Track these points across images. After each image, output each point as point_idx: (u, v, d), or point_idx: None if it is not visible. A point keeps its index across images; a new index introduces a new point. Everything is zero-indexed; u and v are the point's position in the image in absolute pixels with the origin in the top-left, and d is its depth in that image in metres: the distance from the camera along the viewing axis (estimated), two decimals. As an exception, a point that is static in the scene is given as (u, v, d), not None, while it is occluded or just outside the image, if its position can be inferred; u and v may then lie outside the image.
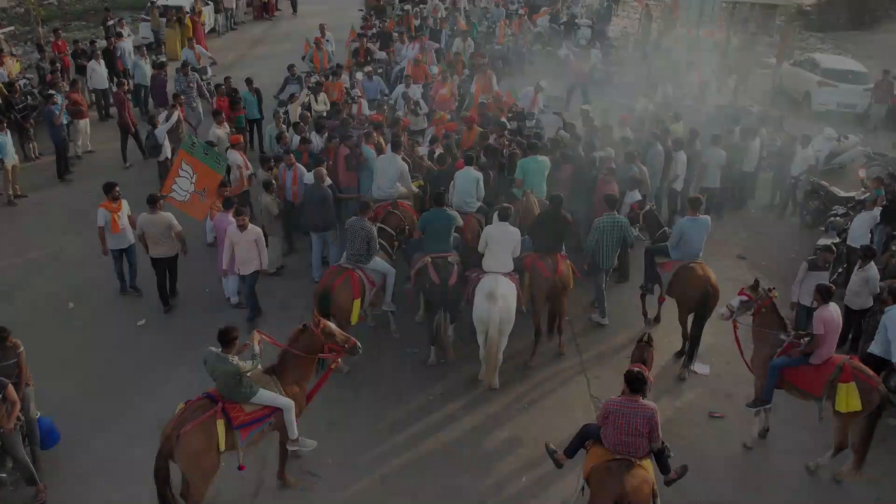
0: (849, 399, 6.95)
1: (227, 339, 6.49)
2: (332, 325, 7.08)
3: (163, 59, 16.31)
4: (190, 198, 10.30)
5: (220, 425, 6.30)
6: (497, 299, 8.06)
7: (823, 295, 7.34)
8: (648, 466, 6.05)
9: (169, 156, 12.66)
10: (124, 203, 9.77)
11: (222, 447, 6.33)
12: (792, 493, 7.34)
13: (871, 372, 7.19)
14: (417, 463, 7.55)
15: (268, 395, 6.60)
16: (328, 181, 10.42)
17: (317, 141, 11.86)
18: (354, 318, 8.46)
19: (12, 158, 12.48)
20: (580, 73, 17.83)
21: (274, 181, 10.55)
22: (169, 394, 8.34)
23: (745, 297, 7.74)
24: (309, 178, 10.47)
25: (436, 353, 8.92)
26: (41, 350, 9.04)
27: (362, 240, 8.54)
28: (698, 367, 9.13)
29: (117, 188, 9.66)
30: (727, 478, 7.50)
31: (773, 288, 7.85)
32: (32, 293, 10.27)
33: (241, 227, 9.12)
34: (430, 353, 8.97)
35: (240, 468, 6.64)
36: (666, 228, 9.82)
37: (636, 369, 6.16)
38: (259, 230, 9.34)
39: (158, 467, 6.34)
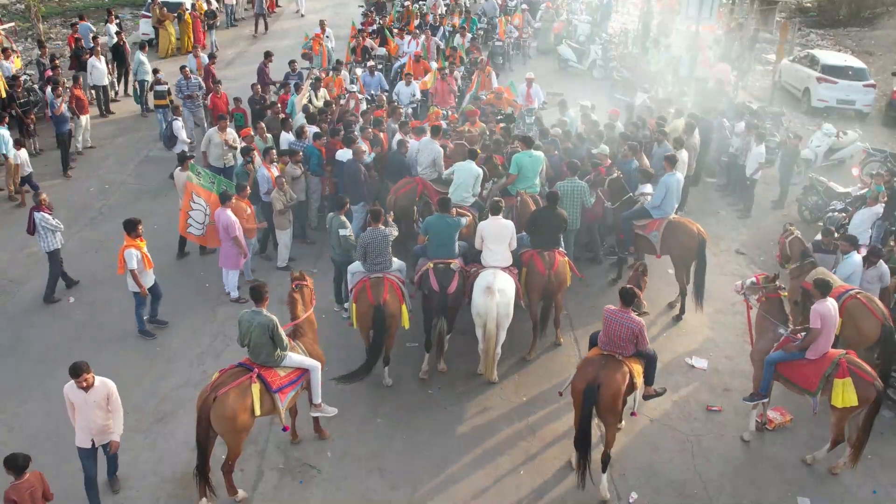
0: (845, 394, 6.98)
1: (258, 294, 6.90)
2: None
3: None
4: (206, 230, 10.32)
5: (256, 389, 6.63)
6: (495, 293, 8.08)
7: (821, 289, 7.34)
8: (632, 365, 6.95)
9: (186, 149, 12.62)
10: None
11: (258, 412, 6.64)
12: (788, 486, 7.37)
13: (867, 367, 7.21)
14: (416, 455, 7.59)
15: (297, 358, 7.05)
16: (365, 159, 10.83)
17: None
18: (406, 323, 8.42)
19: (13, 153, 12.50)
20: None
21: (283, 178, 10.58)
22: (168, 388, 8.41)
23: (754, 280, 8.04)
24: (347, 154, 10.86)
25: (429, 361, 8.76)
26: (41, 345, 9.13)
27: (385, 247, 8.41)
28: (696, 361, 9.17)
29: (141, 226, 8.97)
30: (724, 471, 7.53)
31: (784, 288, 7.93)
32: (33, 288, 10.29)
33: (84, 388, 6.41)
34: (423, 362, 8.75)
35: (284, 429, 7.23)
36: (631, 194, 10.35)
37: (628, 286, 7.23)
38: (111, 387, 6.59)
39: (200, 431, 6.58)
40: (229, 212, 9.60)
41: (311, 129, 11.72)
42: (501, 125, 12.75)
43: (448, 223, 8.66)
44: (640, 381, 7.05)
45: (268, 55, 16.03)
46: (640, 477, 7.43)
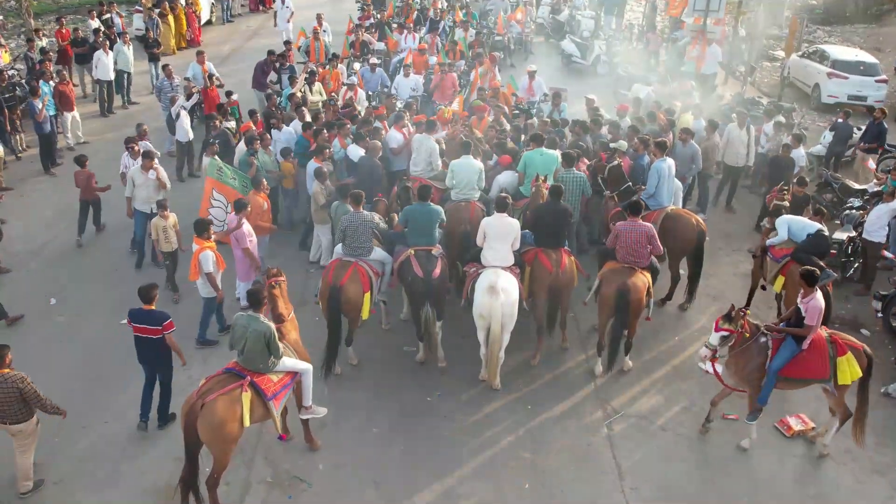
0: (851, 369, 7.00)
1: (256, 300, 6.56)
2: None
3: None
4: (227, 227, 9.61)
5: (247, 399, 6.27)
6: (499, 293, 7.68)
7: (809, 280, 7.04)
8: (647, 274, 8.23)
9: (191, 138, 12.65)
10: None
11: (247, 422, 6.28)
12: (810, 501, 6.97)
13: (852, 338, 7.25)
14: (414, 467, 7.18)
15: (290, 362, 6.74)
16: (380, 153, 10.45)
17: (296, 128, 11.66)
18: (366, 313, 8.25)
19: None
20: None
21: (325, 171, 10.16)
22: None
23: (724, 333, 7.02)
24: (359, 151, 10.50)
25: (424, 349, 8.56)
26: (21, 346, 8.67)
27: (365, 232, 8.30)
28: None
29: (212, 227, 8.54)
30: (742, 484, 7.12)
31: (742, 308, 7.24)
32: (14, 288, 9.90)
33: None
34: (418, 349, 8.64)
35: (281, 438, 7.03)
36: (629, 184, 10.02)
37: (635, 198, 8.63)
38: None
39: (188, 442, 6.22)
40: (243, 219, 9.07)
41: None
42: (516, 117, 12.35)
43: (430, 212, 8.37)
44: (651, 289, 8.27)
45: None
46: (654, 490, 7.01)
